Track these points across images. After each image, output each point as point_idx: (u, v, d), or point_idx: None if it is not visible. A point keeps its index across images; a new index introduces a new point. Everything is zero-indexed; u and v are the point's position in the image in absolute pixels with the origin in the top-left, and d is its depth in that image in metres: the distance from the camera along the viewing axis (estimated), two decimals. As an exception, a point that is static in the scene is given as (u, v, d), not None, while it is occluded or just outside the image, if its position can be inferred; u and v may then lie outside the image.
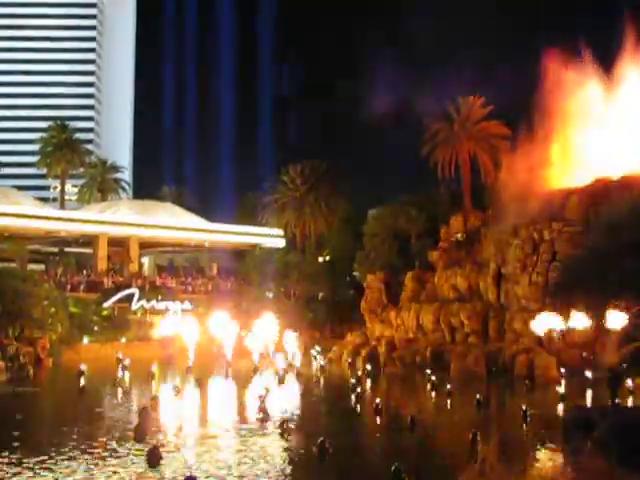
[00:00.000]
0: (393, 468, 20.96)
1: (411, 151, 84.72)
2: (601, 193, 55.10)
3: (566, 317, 49.56)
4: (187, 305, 75.42)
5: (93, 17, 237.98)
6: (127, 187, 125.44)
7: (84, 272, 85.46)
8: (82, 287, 75.82)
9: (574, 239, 53.07)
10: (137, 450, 26.79)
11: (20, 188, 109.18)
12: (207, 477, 23.13)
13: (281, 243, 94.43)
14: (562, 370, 46.20)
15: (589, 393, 41.57)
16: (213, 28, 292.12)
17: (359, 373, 49.63)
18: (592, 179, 58.93)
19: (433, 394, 43.47)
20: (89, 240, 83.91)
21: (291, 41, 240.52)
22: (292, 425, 31.04)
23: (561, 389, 40.84)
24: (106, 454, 26.46)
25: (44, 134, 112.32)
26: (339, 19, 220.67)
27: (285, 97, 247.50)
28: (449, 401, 39.63)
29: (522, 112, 69.04)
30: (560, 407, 37.47)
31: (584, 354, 49.03)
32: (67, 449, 27.04)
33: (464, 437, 26.91)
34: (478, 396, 36.96)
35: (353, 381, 44.66)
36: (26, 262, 79.27)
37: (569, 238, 53.81)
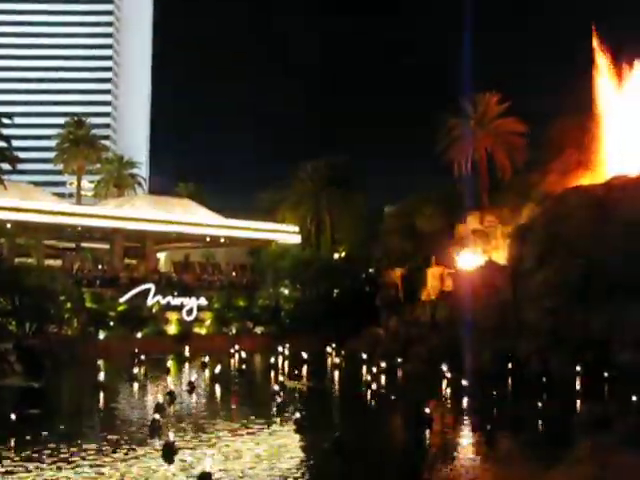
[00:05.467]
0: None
1: (427, 147, 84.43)
2: (618, 191, 54.79)
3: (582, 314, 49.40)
4: (202, 301, 75.52)
5: (110, 13, 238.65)
6: (143, 183, 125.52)
7: (100, 267, 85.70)
8: (98, 282, 75.96)
9: (591, 236, 52.76)
10: (152, 445, 26.90)
11: (37, 184, 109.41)
12: (222, 471, 23.22)
13: (297, 239, 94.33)
14: (577, 367, 45.95)
15: (606, 390, 41.46)
16: (232, 20, 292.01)
17: (374, 369, 49.55)
18: (609, 177, 58.70)
19: (449, 391, 43.45)
20: (105, 236, 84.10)
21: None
22: (305, 422, 31.03)
23: (578, 386, 40.74)
24: (122, 449, 26.56)
25: (61, 130, 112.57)
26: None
27: (301, 96, 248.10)
28: (465, 398, 39.57)
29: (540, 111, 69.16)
30: (577, 404, 37.37)
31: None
32: (83, 443, 27.14)
33: (479, 434, 26.88)
34: (494, 393, 36.94)
35: (368, 377, 44.67)
36: (43, 257, 79.50)
37: (586, 236, 53.46)
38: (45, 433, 28.73)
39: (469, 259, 65.60)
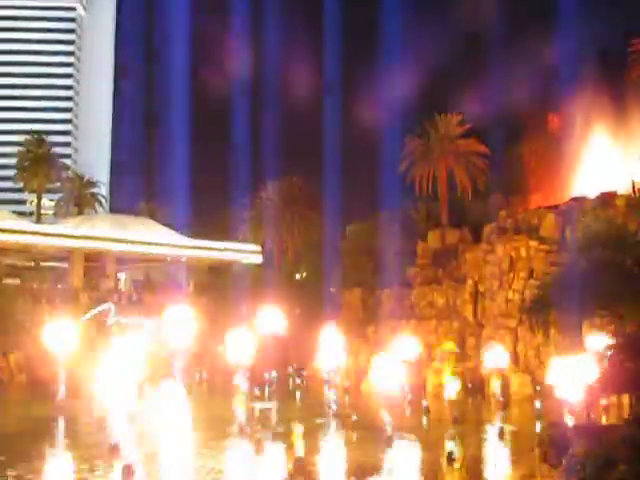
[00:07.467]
0: None
1: (389, 167, 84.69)
2: (577, 212, 55.35)
3: (542, 335, 49.68)
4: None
5: (72, 31, 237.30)
6: (104, 202, 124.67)
7: (60, 286, 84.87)
8: (58, 302, 75.12)
9: (550, 257, 53.22)
10: (111, 467, 26.64)
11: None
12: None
13: (258, 259, 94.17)
14: (537, 388, 46.22)
15: (565, 411, 41.65)
16: (192, 45, 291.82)
17: (336, 390, 49.49)
18: (568, 198, 59.34)
19: (409, 410, 43.48)
20: (65, 255, 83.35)
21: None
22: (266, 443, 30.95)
23: (537, 406, 40.96)
24: (80, 470, 26.26)
25: (21, 148, 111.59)
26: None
27: (260, 112, 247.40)
28: (425, 418, 39.65)
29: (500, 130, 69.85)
30: (537, 425, 37.55)
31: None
32: (42, 465, 26.83)
33: (439, 454, 26.93)
34: (455, 413, 37.03)
35: (332, 397, 44.63)
36: (1, 276, 78.63)
37: (545, 256, 53.95)
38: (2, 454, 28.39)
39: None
